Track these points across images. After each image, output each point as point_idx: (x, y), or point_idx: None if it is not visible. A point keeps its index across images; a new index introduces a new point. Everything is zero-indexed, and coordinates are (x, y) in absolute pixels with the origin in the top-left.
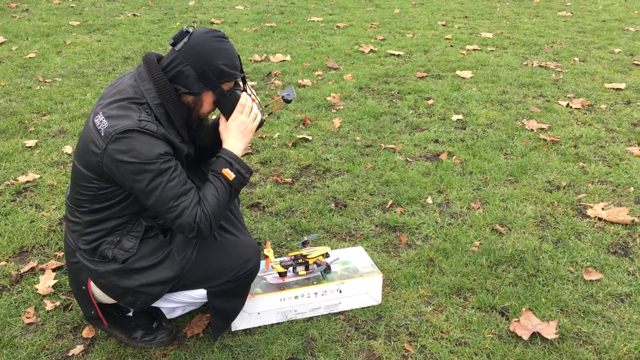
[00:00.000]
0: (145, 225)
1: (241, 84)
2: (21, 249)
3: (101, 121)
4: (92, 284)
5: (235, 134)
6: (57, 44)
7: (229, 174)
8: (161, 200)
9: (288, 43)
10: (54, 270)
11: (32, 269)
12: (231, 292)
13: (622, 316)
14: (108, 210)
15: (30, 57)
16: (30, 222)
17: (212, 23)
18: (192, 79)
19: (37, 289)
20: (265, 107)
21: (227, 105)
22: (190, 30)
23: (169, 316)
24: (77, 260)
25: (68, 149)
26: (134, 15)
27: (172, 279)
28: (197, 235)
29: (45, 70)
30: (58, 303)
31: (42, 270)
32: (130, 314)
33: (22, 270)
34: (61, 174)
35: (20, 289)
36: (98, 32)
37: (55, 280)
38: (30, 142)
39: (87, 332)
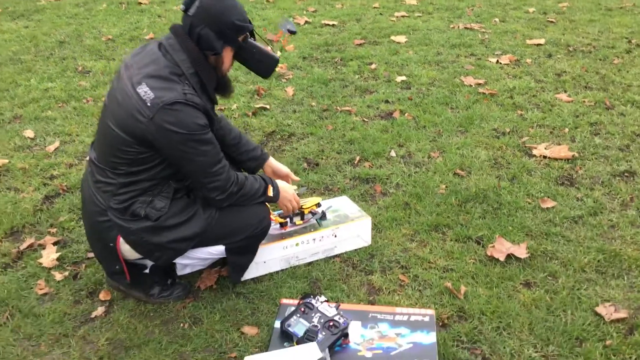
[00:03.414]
0: (175, 187)
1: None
2: (12, 229)
3: (146, 92)
4: (120, 241)
5: (283, 190)
6: None
7: (270, 190)
8: (201, 166)
9: None
10: (53, 244)
11: (31, 245)
12: (246, 248)
13: (579, 234)
14: (144, 173)
15: None
16: (14, 204)
17: (140, 3)
18: (213, 38)
19: (41, 263)
20: (273, 44)
21: (245, 55)
22: None
23: (179, 273)
24: (107, 218)
25: (29, 133)
26: None
27: (198, 234)
28: (222, 199)
29: None
30: (67, 273)
31: (42, 246)
32: (147, 270)
33: (21, 248)
34: (30, 157)
35: (24, 265)
36: (22, 18)
37: (59, 253)
38: None
39: (103, 295)
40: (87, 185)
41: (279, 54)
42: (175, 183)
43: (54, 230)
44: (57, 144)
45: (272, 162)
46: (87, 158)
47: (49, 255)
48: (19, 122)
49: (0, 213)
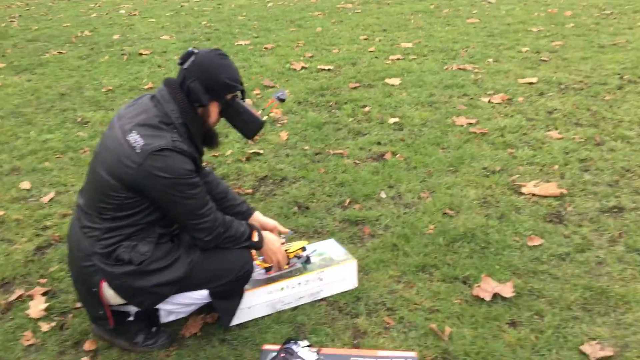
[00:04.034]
0: (159, 232)
1: (240, 95)
2: (3, 281)
3: (135, 139)
4: (104, 285)
5: (269, 241)
6: None
7: (255, 235)
8: (189, 209)
9: None
10: (42, 295)
11: (20, 296)
12: (230, 291)
13: (565, 272)
14: (129, 218)
15: None
16: (6, 256)
17: (141, 54)
18: (200, 92)
19: (29, 314)
20: (262, 110)
21: (231, 113)
22: (196, 50)
23: (163, 320)
24: (91, 263)
25: (26, 185)
26: (60, 52)
27: (181, 279)
28: (210, 240)
29: None
30: (53, 324)
31: (30, 297)
32: (131, 318)
33: (10, 299)
34: (24, 209)
35: (12, 316)
36: (26, 72)
37: (47, 304)
38: None
39: (89, 345)
40: (74, 231)
41: (265, 118)
42: (160, 228)
43: (44, 280)
44: (52, 194)
45: (258, 216)
46: (75, 204)
47: (37, 306)
48: (16, 174)
49: None
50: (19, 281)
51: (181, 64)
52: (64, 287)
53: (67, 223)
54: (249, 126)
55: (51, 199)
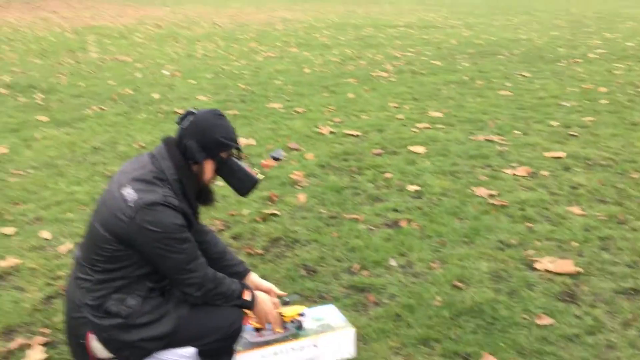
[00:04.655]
0: (149, 286)
1: (236, 153)
2: (7, 328)
3: (129, 193)
4: (90, 337)
5: (262, 301)
6: (26, 138)
7: (246, 294)
8: (178, 263)
9: (251, 128)
10: (42, 345)
11: (20, 345)
12: (219, 350)
13: (573, 354)
14: (120, 270)
15: (1, 153)
16: (15, 303)
17: (176, 113)
18: (196, 149)
19: None
20: (257, 168)
21: (225, 171)
22: (194, 110)
23: None
24: (81, 315)
25: (46, 235)
26: (101, 109)
27: (168, 334)
28: (199, 296)
29: (17, 163)
30: None
31: (30, 346)
32: None
33: (10, 347)
34: (41, 258)
35: None
36: (66, 125)
37: (46, 355)
38: (8, 230)
39: None
40: (70, 282)
41: (261, 177)
42: (150, 282)
43: (46, 330)
44: (69, 245)
45: (253, 277)
46: (74, 257)
47: (35, 356)
48: (39, 224)
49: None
50: (23, 329)
51: (179, 122)
52: (65, 338)
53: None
54: (244, 184)
55: (68, 249)
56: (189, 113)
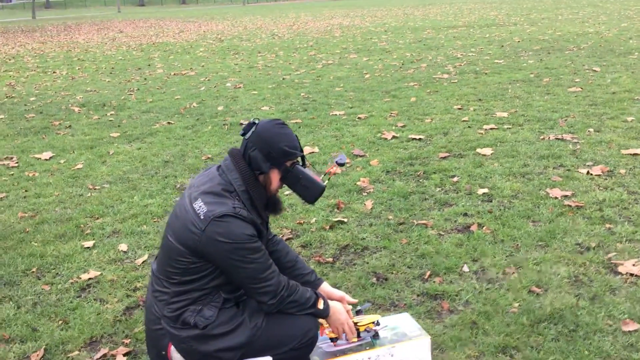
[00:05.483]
0: (224, 297)
1: (300, 161)
2: (91, 339)
3: (200, 206)
4: (172, 349)
5: (336, 311)
6: (101, 154)
7: (320, 302)
8: (252, 273)
9: (314, 136)
10: (124, 355)
11: (104, 355)
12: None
13: None
14: (195, 282)
15: (78, 168)
16: (97, 315)
17: (241, 124)
18: (261, 160)
19: None
20: (324, 174)
21: (291, 179)
22: (257, 121)
23: None
24: (161, 327)
25: (123, 247)
26: (169, 123)
27: (244, 344)
28: (273, 304)
29: (94, 178)
30: None
31: (114, 357)
32: None
33: (95, 357)
34: (119, 270)
35: None
36: (137, 140)
37: None
38: (88, 243)
39: None
40: (148, 295)
41: (326, 182)
42: (225, 293)
43: (127, 341)
44: (145, 257)
45: (325, 287)
46: (150, 270)
47: None
48: (116, 237)
49: (83, 323)
50: (106, 340)
51: (243, 134)
52: (145, 349)
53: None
54: (310, 191)
55: (144, 261)
56: (251, 124)
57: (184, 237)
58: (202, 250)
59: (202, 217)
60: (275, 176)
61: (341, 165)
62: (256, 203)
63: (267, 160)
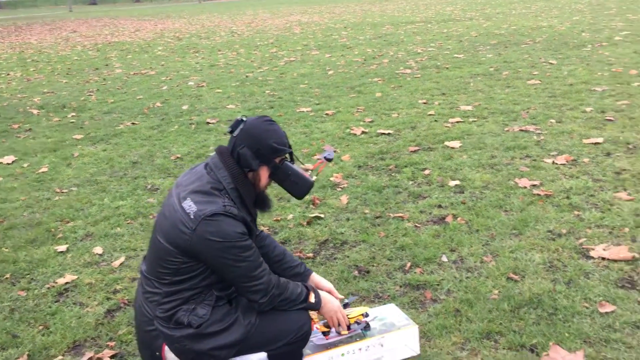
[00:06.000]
0: (216, 295)
1: (289, 157)
2: (74, 343)
3: (190, 205)
4: (166, 349)
5: (328, 301)
6: (65, 157)
7: (311, 296)
8: (243, 271)
9: None
10: (110, 357)
11: (90, 358)
12: (289, 354)
13: None
14: (187, 282)
15: (43, 172)
16: (78, 318)
17: (208, 123)
18: (250, 157)
19: None
20: (311, 170)
21: (281, 176)
22: (244, 118)
23: None
24: (153, 327)
25: (98, 250)
26: (133, 123)
27: (238, 341)
28: (265, 302)
29: (60, 181)
30: None
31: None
32: None
33: None
34: (96, 273)
35: None
36: (102, 142)
37: None
38: (61, 248)
39: None
40: (138, 296)
41: (314, 178)
42: (217, 291)
43: (112, 343)
44: (122, 259)
45: (315, 278)
46: (139, 271)
47: None
48: (90, 240)
49: (65, 327)
50: (90, 344)
51: (231, 132)
52: (132, 350)
53: (136, 287)
54: (299, 187)
55: (121, 263)
56: (239, 121)
57: (174, 237)
58: (193, 250)
59: (192, 217)
60: (264, 173)
61: (329, 160)
62: (246, 200)
63: (256, 158)
